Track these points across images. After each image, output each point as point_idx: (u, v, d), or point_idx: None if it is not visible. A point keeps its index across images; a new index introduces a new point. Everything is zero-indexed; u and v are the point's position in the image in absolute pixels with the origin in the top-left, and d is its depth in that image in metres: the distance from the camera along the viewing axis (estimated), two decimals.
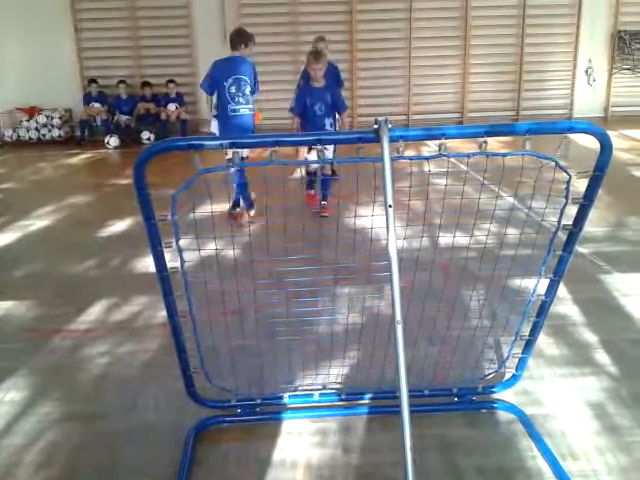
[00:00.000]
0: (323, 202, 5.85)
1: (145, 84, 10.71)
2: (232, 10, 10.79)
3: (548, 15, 11.10)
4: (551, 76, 11.53)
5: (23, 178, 8.38)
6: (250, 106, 5.60)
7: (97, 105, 10.67)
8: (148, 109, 10.67)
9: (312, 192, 6.06)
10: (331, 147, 4.94)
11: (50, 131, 10.84)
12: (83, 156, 9.90)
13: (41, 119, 10.80)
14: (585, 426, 2.60)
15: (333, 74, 6.68)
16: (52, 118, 10.84)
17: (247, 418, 2.68)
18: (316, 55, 5.67)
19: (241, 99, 5.51)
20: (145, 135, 10.39)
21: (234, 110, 5.50)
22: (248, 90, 5.54)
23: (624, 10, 11.13)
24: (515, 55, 11.32)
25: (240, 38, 5.61)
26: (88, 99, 10.72)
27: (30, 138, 10.82)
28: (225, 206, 5.39)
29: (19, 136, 10.82)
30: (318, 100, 5.64)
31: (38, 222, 6.02)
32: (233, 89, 5.48)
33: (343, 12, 10.94)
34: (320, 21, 10.71)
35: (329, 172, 6.12)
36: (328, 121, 5.73)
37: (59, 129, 10.86)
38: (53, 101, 10.91)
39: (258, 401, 2.69)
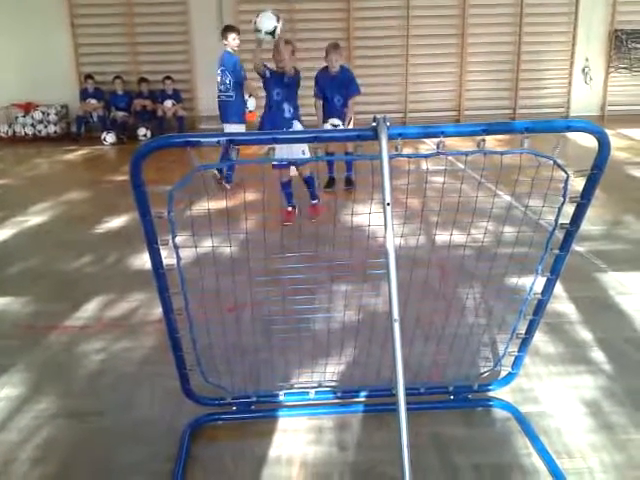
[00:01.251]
0: (314, 201, 5.67)
1: (142, 80, 10.68)
2: (229, 7, 10.76)
3: (545, 14, 11.11)
4: (548, 75, 11.54)
5: (19, 174, 8.36)
6: (228, 93, 6.75)
7: (93, 101, 10.63)
8: (145, 105, 10.65)
9: (290, 208, 5.61)
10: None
11: (46, 127, 10.79)
12: (79, 152, 9.87)
13: (37, 115, 10.76)
14: (580, 424, 2.60)
15: (345, 79, 6.55)
16: (48, 114, 10.80)
17: (243, 415, 2.68)
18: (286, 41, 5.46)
19: (221, 87, 6.78)
20: (142, 131, 10.37)
21: (218, 96, 6.87)
22: (228, 80, 6.72)
23: (621, 9, 11.14)
24: (512, 54, 11.32)
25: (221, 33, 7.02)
26: (84, 95, 10.69)
27: (26, 134, 10.78)
28: (222, 203, 5.38)
29: (15, 132, 10.77)
30: (277, 86, 5.39)
31: (34, 218, 6.00)
32: (218, 78, 6.80)
33: (340, 10, 10.92)
34: (317, 18, 10.69)
35: (307, 172, 5.70)
36: (287, 106, 5.44)
37: (55, 125, 10.82)
38: (49, 97, 10.87)
39: (254, 399, 2.69)
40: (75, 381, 3.05)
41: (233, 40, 6.82)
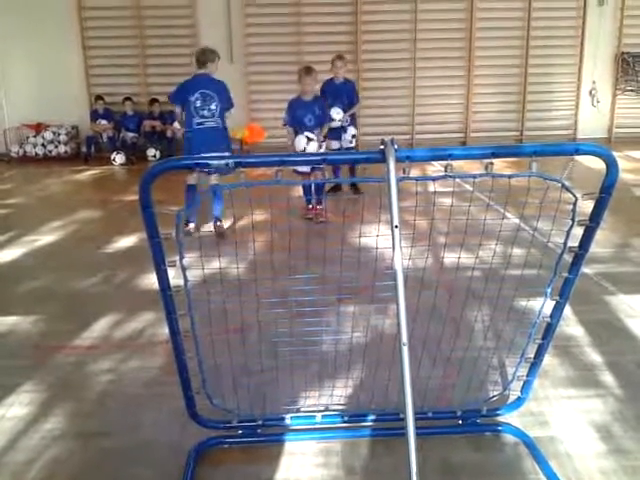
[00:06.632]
0: (320, 206, 6.26)
1: (153, 101, 10.76)
2: (238, 30, 10.88)
3: (552, 37, 11.17)
4: (555, 97, 11.57)
5: (29, 194, 8.42)
6: (213, 120, 5.97)
7: (103, 122, 10.72)
8: (154, 126, 10.72)
9: (310, 206, 6.41)
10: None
11: (56, 147, 10.88)
12: (89, 172, 9.94)
13: (48, 135, 10.85)
14: (590, 449, 2.57)
15: (349, 89, 7.32)
16: (59, 134, 10.89)
17: (249, 439, 2.66)
18: (307, 70, 6.22)
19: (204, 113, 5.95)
20: (151, 152, 10.43)
21: (200, 123, 5.96)
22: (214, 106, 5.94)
23: (627, 32, 11.19)
24: (519, 76, 11.36)
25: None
26: (95, 116, 10.78)
27: (36, 154, 10.86)
28: (230, 223, 5.41)
29: (25, 152, 10.86)
30: (308, 112, 6.23)
31: (44, 238, 6.03)
32: (198, 103, 5.94)
33: (348, 32, 11.03)
34: (324, 41, 10.78)
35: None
36: (317, 131, 6.27)
37: (65, 145, 10.91)
38: (60, 117, 10.97)
39: (260, 422, 2.67)
40: (82, 401, 3.04)
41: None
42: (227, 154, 5.66)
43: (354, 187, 7.40)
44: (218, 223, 5.82)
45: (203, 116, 5.93)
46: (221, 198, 5.88)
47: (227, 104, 6.04)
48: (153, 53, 10.99)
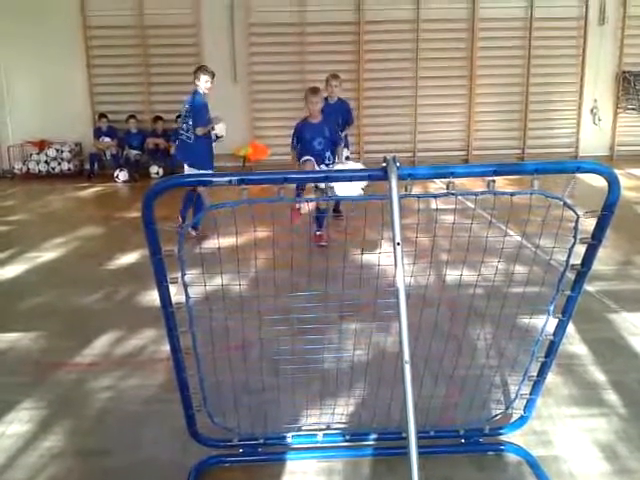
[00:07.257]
0: (319, 232, 5.98)
1: (157, 119, 10.81)
2: (242, 49, 10.97)
3: (553, 56, 11.24)
4: (557, 115, 11.61)
5: (32, 210, 8.44)
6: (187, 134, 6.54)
7: (107, 139, 10.77)
8: (157, 144, 10.77)
9: (319, 232, 6.07)
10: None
11: (60, 164, 10.91)
12: (92, 190, 9.97)
13: (51, 152, 10.88)
14: (595, 468, 2.55)
15: (344, 109, 7.08)
16: (62, 151, 10.93)
17: (250, 458, 2.64)
18: (313, 90, 6.02)
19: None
20: (154, 169, 10.47)
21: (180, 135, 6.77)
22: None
23: (628, 51, 11.26)
24: (521, 94, 11.42)
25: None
26: (98, 133, 10.84)
27: (40, 171, 10.89)
28: (232, 240, 5.40)
29: (29, 169, 10.89)
30: (317, 135, 5.99)
31: (46, 254, 6.04)
32: (181, 118, 6.75)
33: (350, 52, 11.11)
34: (327, 60, 10.84)
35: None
36: (327, 154, 6.09)
37: (69, 162, 10.94)
38: (63, 135, 11.03)
39: (261, 441, 2.65)
40: (82, 419, 3.02)
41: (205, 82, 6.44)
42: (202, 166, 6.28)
43: (335, 210, 7.11)
44: (194, 231, 5.95)
45: (181, 129, 6.65)
46: (203, 205, 5.93)
47: (199, 120, 6.31)
48: (157, 72, 11.07)
